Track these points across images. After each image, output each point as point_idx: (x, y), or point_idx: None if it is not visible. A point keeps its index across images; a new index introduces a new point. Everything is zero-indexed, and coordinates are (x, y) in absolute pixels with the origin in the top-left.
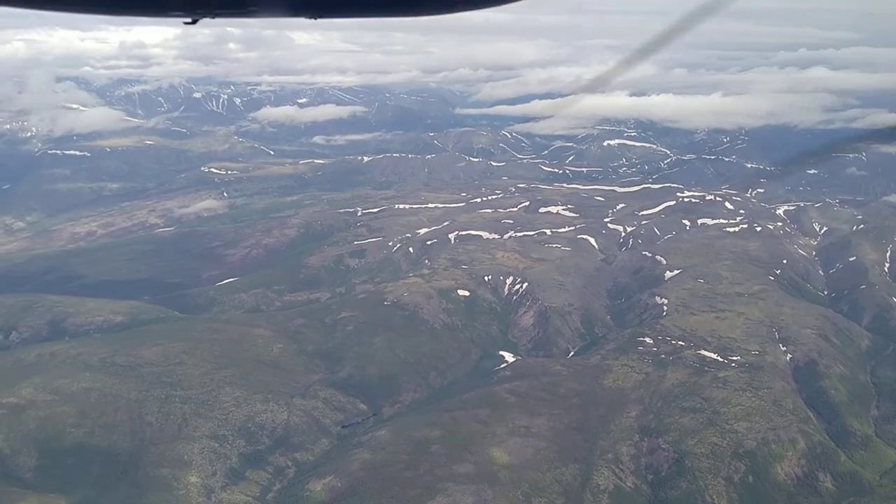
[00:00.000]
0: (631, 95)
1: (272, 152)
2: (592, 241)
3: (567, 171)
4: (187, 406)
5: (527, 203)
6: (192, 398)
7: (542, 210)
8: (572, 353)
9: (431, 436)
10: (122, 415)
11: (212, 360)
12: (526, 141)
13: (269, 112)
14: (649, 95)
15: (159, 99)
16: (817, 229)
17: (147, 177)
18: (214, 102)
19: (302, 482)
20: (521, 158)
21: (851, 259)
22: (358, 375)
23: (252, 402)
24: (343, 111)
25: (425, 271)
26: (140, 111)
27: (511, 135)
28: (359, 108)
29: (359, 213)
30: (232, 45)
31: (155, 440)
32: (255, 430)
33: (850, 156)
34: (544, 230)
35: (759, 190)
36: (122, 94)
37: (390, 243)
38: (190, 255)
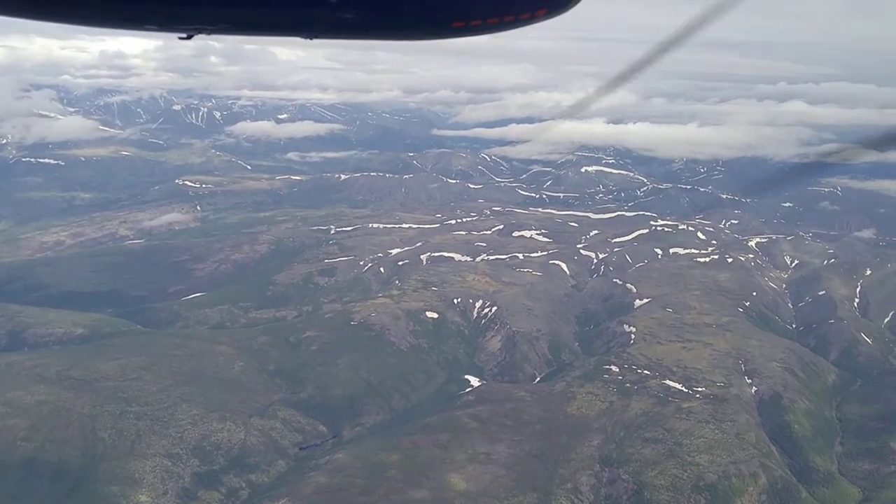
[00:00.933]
0: (609, 123)
1: (249, 167)
2: (564, 266)
3: (544, 196)
4: (142, 423)
5: (501, 226)
6: (147, 414)
7: (516, 234)
8: (538, 378)
9: (390, 460)
10: (74, 430)
11: (170, 377)
12: (504, 164)
13: (245, 126)
14: (627, 123)
15: (138, 110)
16: (788, 262)
17: (120, 188)
18: (194, 115)
19: None
20: (498, 181)
21: (821, 293)
22: (319, 396)
23: (209, 420)
24: (321, 128)
25: (395, 292)
26: (118, 121)
27: (490, 158)
28: (336, 126)
29: (332, 231)
30: (213, 59)
31: (107, 456)
32: (211, 450)
33: (825, 190)
34: (517, 254)
35: (732, 221)
36: (101, 103)
37: (361, 262)
38: (157, 269)
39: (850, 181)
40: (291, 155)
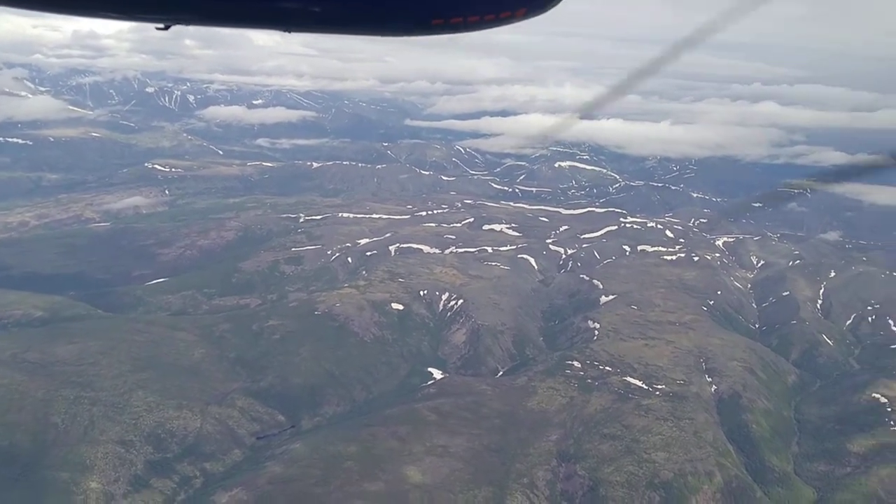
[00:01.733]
0: (582, 118)
1: (221, 152)
2: (532, 261)
3: (517, 190)
4: (96, 408)
5: (472, 219)
6: (101, 400)
7: (486, 227)
8: (501, 372)
9: (347, 451)
10: (26, 414)
11: (128, 362)
12: (479, 157)
13: (217, 111)
14: (600, 119)
15: (111, 91)
16: (755, 262)
17: (88, 169)
18: (167, 98)
19: (208, 493)
20: (472, 174)
21: (785, 294)
22: (280, 385)
23: (165, 407)
24: (293, 115)
25: (361, 282)
26: (90, 102)
27: (465, 150)
28: (308, 113)
29: (301, 220)
30: (188, 42)
31: (59, 442)
32: (165, 437)
33: (795, 191)
34: (486, 247)
35: (701, 220)
36: (73, 84)
37: (329, 252)
38: (122, 252)
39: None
40: (262, 141)
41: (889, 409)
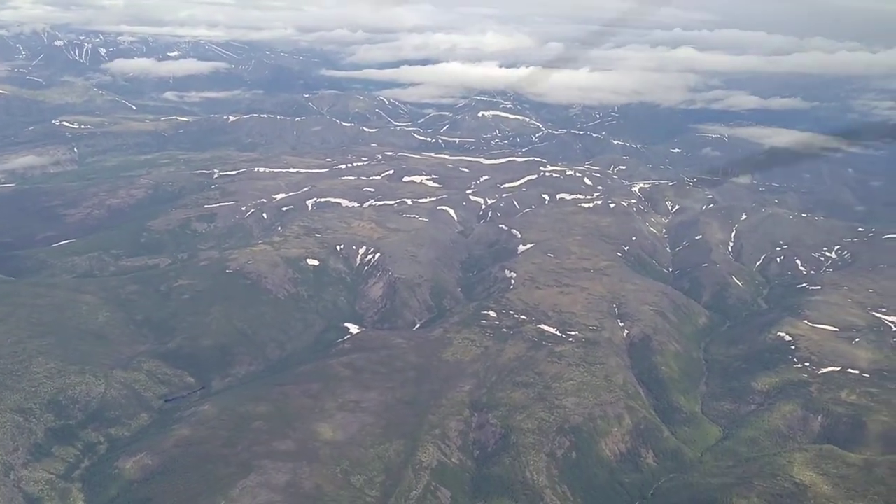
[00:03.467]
0: (502, 66)
1: (134, 107)
2: (452, 212)
3: (440, 141)
4: None
5: (391, 171)
6: None
7: (406, 179)
8: (418, 325)
9: (257, 411)
10: None
11: (28, 328)
12: (402, 108)
13: (125, 64)
14: (520, 67)
15: (17, 45)
16: (670, 207)
17: None
18: (77, 52)
19: (112, 459)
20: (395, 125)
21: (698, 237)
22: (189, 347)
23: (66, 373)
24: (207, 67)
25: (276, 239)
26: None
27: (388, 101)
28: (223, 65)
29: (215, 175)
30: None
31: None
32: (67, 404)
33: (710, 136)
34: (405, 200)
35: (620, 167)
36: None
37: (243, 208)
38: (27, 214)
39: (732, 129)
40: (174, 94)
41: (793, 347)
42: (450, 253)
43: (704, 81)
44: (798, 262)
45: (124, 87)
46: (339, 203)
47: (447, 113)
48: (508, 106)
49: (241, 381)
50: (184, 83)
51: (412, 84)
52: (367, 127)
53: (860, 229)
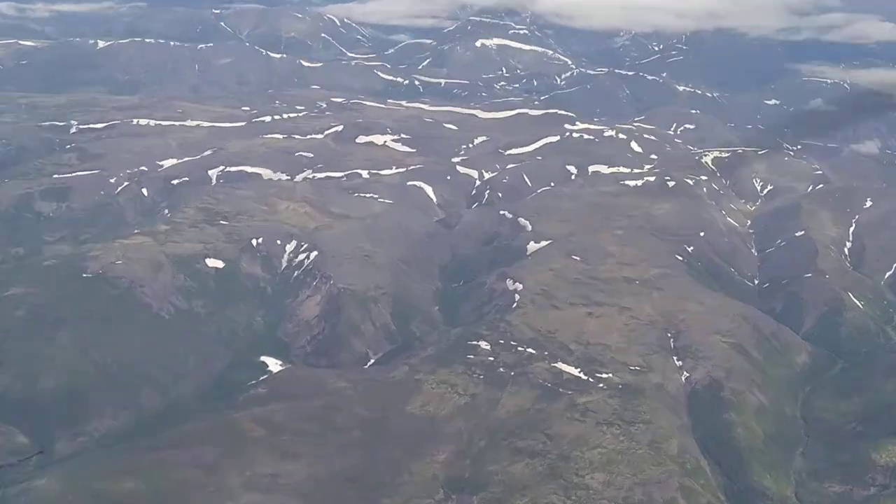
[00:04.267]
0: None
1: None
2: (430, 191)
3: (416, 83)
4: None
5: (340, 127)
6: None
7: (362, 140)
8: (372, 360)
9: (121, 488)
10: None
11: None
12: (362, 33)
13: None
14: None
15: None
16: (758, 188)
17: None
18: None
19: None
20: (350, 58)
21: (799, 234)
22: (21, 390)
23: None
24: None
25: (162, 227)
26: None
27: (340, 21)
28: None
29: (73, 130)
30: None
31: None
32: None
33: (825, 82)
34: (359, 171)
35: (686, 126)
36: None
37: (113, 180)
38: None
39: (855, 71)
40: (6, 6)
41: None
42: (424, 252)
43: (814, 0)
44: None
45: None
46: (259, 174)
47: (428, 41)
48: (521, 31)
49: (99, 443)
50: None
51: None
52: (306, 60)
53: None
